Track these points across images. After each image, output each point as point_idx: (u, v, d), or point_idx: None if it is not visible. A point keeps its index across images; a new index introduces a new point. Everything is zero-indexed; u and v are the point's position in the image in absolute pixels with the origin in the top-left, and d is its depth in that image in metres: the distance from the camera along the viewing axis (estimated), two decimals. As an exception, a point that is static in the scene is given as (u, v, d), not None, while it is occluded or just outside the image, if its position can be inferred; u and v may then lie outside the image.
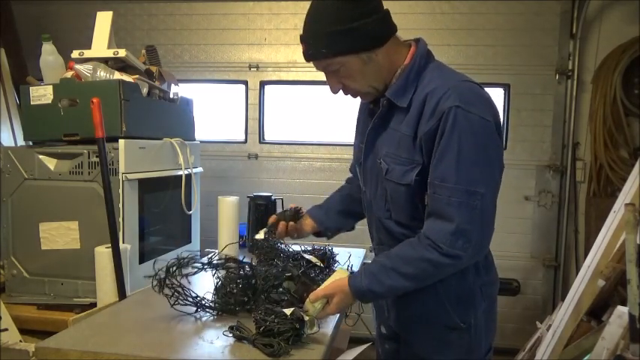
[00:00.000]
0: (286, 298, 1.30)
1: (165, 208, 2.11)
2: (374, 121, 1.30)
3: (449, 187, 1.11)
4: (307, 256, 1.73)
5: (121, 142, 1.80)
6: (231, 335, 1.17)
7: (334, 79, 1.25)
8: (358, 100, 1.35)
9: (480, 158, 1.12)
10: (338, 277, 1.25)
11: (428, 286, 1.22)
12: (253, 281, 1.35)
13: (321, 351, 1.14)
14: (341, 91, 1.29)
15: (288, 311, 1.18)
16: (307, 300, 1.21)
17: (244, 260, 1.44)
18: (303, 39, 1.22)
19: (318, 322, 1.22)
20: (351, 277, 1.21)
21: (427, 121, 1.15)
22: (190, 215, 2.26)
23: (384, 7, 1.22)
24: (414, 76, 1.22)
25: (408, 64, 1.23)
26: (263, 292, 1.32)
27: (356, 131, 1.46)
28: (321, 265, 1.72)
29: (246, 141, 3.60)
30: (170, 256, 2.15)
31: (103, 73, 1.91)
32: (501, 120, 1.23)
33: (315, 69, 1.27)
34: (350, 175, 1.66)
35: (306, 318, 1.17)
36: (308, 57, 1.23)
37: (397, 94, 1.22)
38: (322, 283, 1.28)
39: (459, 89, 1.14)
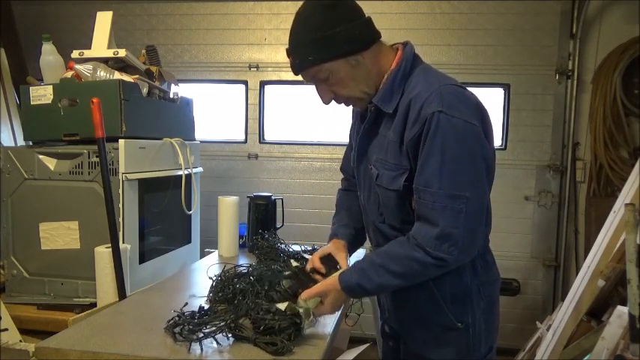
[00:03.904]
0: (281, 294, 1.29)
1: (165, 208, 2.10)
2: (363, 128, 1.30)
3: (432, 191, 1.11)
4: (307, 256, 1.73)
5: (121, 142, 1.80)
6: (230, 335, 1.17)
7: (324, 88, 1.24)
8: None
9: (464, 162, 1.11)
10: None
11: (423, 286, 1.22)
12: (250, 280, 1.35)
13: (322, 350, 1.14)
14: (334, 102, 1.28)
15: (282, 306, 1.17)
16: (299, 298, 1.21)
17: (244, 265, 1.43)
18: (290, 51, 1.22)
19: (313, 318, 1.21)
20: (341, 274, 1.22)
21: (411, 127, 1.14)
22: (190, 215, 2.26)
23: (366, 15, 1.22)
24: (399, 81, 1.21)
25: (394, 69, 1.22)
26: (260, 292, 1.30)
27: (350, 137, 1.47)
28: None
29: (246, 141, 3.60)
30: (170, 256, 2.17)
31: (103, 73, 1.91)
32: (491, 122, 1.21)
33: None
34: (342, 175, 1.63)
35: (301, 310, 1.16)
36: (296, 69, 1.22)
37: (384, 100, 1.22)
38: (319, 281, 1.28)
39: (443, 93, 1.12)
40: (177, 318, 1.21)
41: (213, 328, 1.16)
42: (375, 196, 1.29)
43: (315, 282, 1.28)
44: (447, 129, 1.10)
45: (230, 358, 1.10)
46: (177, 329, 1.17)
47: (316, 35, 1.16)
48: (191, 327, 1.16)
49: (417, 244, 1.13)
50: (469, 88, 1.20)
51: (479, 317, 1.25)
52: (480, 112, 1.16)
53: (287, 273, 1.31)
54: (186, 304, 1.29)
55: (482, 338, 1.26)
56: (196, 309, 1.26)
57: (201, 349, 1.11)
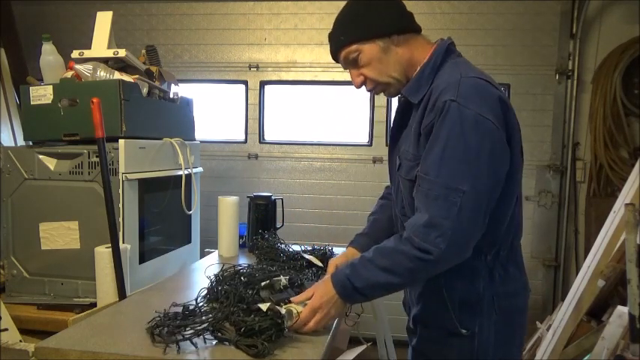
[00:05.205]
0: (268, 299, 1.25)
1: (165, 208, 2.10)
2: (394, 119, 1.34)
3: (429, 180, 1.09)
4: (307, 256, 1.73)
5: (121, 142, 1.79)
6: (212, 337, 1.14)
7: (355, 72, 1.27)
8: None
9: (468, 155, 1.07)
10: None
11: (435, 288, 1.21)
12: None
13: (321, 351, 1.14)
14: (364, 88, 1.30)
15: (263, 307, 1.13)
16: (291, 304, 1.20)
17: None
18: (329, 36, 1.30)
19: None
20: (334, 272, 1.20)
21: (427, 116, 1.14)
22: (190, 215, 2.26)
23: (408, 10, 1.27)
24: (429, 72, 1.21)
25: (425, 61, 1.23)
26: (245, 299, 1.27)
27: None
28: (321, 264, 1.73)
29: (246, 141, 3.60)
30: (170, 256, 2.17)
31: (103, 73, 1.91)
32: (517, 124, 1.16)
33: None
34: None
35: (283, 311, 1.13)
36: (332, 52, 1.29)
37: (411, 90, 1.22)
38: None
39: (461, 84, 1.10)
40: (158, 319, 1.18)
41: (192, 331, 1.12)
42: (397, 188, 1.30)
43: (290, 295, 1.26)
44: (455, 118, 1.07)
45: (211, 359, 1.08)
46: (156, 330, 1.14)
47: (349, 18, 1.24)
48: (170, 329, 1.13)
49: (407, 236, 1.10)
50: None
51: (488, 327, 1.20)
52: (496, 111, 1.10)
53: (264, 283, 1.29)
54: (174, 303, 1.27)
55: (490, 350, 1.21)
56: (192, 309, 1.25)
57: (178, 350, 1.07)
